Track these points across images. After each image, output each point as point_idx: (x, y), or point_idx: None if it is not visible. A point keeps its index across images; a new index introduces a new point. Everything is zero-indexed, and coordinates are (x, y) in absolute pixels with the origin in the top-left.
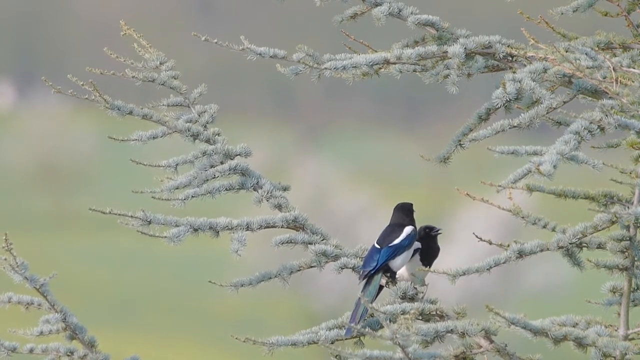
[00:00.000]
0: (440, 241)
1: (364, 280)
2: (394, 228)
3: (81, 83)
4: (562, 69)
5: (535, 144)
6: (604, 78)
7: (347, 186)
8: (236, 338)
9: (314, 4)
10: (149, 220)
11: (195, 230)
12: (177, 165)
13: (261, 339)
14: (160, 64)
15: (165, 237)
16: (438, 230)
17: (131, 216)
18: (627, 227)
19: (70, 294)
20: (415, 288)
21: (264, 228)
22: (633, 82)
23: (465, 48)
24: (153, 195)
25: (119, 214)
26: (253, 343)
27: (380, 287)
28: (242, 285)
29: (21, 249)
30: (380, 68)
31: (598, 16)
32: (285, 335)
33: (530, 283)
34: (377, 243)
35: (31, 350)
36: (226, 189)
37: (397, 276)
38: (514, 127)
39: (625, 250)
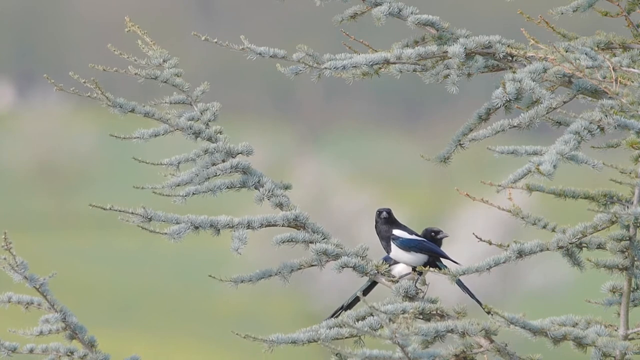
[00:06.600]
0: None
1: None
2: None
3: (83, 81)
4: (562, 69)
5: (535, 144)
6: (604, 78)
7: (347, 186)
8: (237, 334)
9: (314, 4)
10: (149, 217)
11: (196, 227)
12: (179, 163)
13: (261, 336)
14: (164, 61)
15: (166, 233)
16: (445, 235)
17: (132, 212)
18: (627, 227)
19: (70, 294)
20: (417, 287)
21: (265, 227)
22: (633, 82)
23: (465, 48)
24: (154, 191)
25: (120, 210)
26: (253, 340)
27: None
28: (242, 282)
29: (21, 248)
30: (380, 68)
31: (598, 16)
32: (285, 334)
33: (530, 283)
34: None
35: (31, 350)
36: (227, 187)
37: (397, 275)
38: (514, 127)
39: (625, 250)
